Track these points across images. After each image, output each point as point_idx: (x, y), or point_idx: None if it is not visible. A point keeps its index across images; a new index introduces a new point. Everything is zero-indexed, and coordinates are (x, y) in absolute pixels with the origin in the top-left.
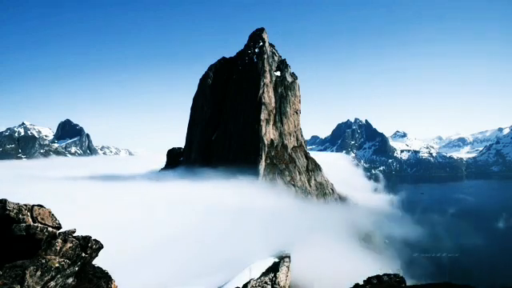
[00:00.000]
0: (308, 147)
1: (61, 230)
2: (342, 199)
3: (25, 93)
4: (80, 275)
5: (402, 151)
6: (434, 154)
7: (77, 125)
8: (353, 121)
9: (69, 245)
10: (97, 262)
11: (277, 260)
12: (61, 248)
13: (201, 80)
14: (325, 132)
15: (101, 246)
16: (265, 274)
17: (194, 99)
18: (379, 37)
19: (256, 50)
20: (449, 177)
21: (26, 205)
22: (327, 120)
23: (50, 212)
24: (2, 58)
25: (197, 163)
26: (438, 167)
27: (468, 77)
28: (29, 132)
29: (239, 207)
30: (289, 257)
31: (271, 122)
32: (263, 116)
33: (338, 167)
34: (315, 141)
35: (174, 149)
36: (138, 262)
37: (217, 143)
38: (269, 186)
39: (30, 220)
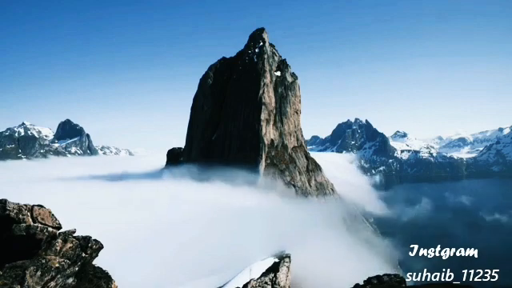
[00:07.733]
0: (308, 147)
1: (61, 230)
2: (341, 199)
3: (25, 93)
4: (80, 275)
5: (402, 151)
6: (435, 154)
7: (77, 125)
8: (353, 121)
9: (69, 245)
10: (97, 262)
11: (277, 260)
12: (61, 248)
13: (201, 80)
14: (325, 132)
15: (101, 246)
16: (265, 274)
17: (194, 99)
18: (379, 36)
19: (256, 50)
20: (449, 177)
21: (26, 205)
22: (327, 120)
23: (50, 212)
24: (1, 58)
25: (197, 163)
26: (438, 167)
27: (468, 76)
28: (29, 132)
29: (239, 208)
30: (289, 257)
31: (271, 122)
32: (263, 116)
33: (338, 167)
34: (315, 141)
35: (174, 149)
36: (137, 262)
37: (217, 143)
38: (268, 186)
39: (30, 220)
